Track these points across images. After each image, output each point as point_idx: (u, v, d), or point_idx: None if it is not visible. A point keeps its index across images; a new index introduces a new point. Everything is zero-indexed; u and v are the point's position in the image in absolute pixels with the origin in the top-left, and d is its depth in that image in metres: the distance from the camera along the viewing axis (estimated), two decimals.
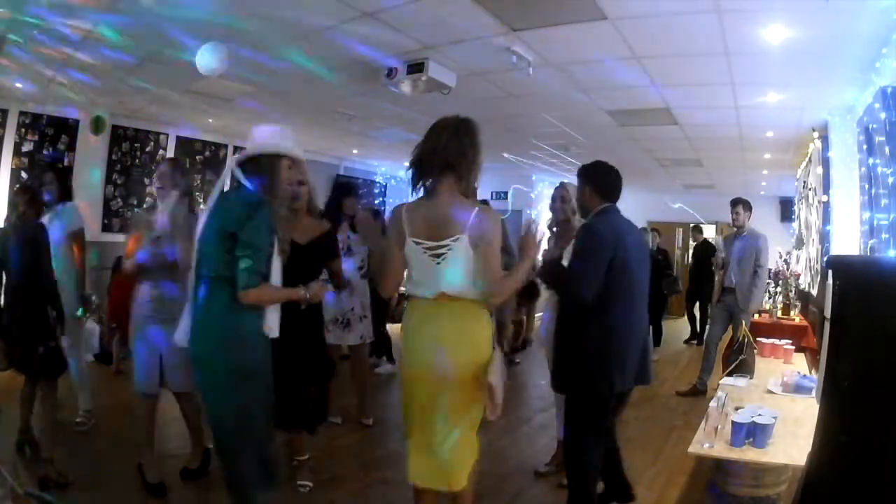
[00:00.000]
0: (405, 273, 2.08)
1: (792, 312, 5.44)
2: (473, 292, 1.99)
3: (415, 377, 2.03)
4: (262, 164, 2.09)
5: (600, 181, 2.64)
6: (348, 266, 3.69)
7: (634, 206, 6.94)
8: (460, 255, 1.95)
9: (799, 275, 6.26)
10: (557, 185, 3.40)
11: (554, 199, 3.33)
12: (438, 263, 1.95)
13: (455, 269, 1.95)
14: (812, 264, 5.92)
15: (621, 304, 2.46)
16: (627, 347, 2.49)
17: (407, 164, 2.06)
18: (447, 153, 1.97)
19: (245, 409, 1.99)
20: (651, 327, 5.35)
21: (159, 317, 2.79)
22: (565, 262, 2.65)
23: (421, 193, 2.05)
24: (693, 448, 2.32)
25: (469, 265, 1.96)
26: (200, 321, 2.01)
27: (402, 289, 2.28)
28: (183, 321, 2.10)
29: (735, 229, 5.07)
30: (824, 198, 5.06)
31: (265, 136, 2.15)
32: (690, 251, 9.75)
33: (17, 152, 5.83)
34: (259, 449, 2.04)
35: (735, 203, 5.03)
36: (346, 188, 4.12)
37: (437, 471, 1.98)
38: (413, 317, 2.06)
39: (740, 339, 3.56)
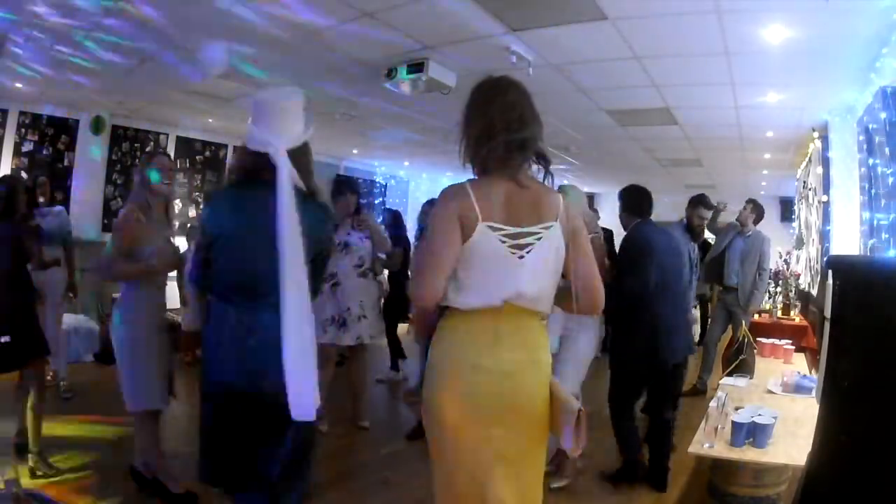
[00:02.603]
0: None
1: (792, 312, 5.44)
2: (544, 302, 1.55)
3: (471, 421, 1.48)
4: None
5: (626, 201, 3.26)
6: (342, 265, 3.67)
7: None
8: (551, 249, 1.51)
9: (799, 275, 6.26)
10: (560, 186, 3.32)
11: None
12: (521, 258, 1.47)
13: (539, 267, 1.50)
14: (812, 264, 5.92)
15: (662, 297, 3.04)
16: (673, 329, 3.10)
17: (474, 138, 1.53)
18: (539, 139, 1.56)
19: None
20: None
21: None
22: None
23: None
24: (693, 448, 2.32)
25: (554, 264, 1.53)
26: None
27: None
28: None
29: (738, 224, 5.07)
30: (824, 198, 5.06)
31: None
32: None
33: (17, 152, 5.84)
34: None
35: (748, 201, 5.10)
36: (337, 186, 4.07)
37: None
38: (459, 339, 1.51)
39: (740, 339, 3.57)
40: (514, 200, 1.50)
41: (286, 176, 1.68)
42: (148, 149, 6.91)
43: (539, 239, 1.49)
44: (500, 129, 1.49)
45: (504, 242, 1.46)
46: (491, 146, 1.49)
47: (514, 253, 1.47)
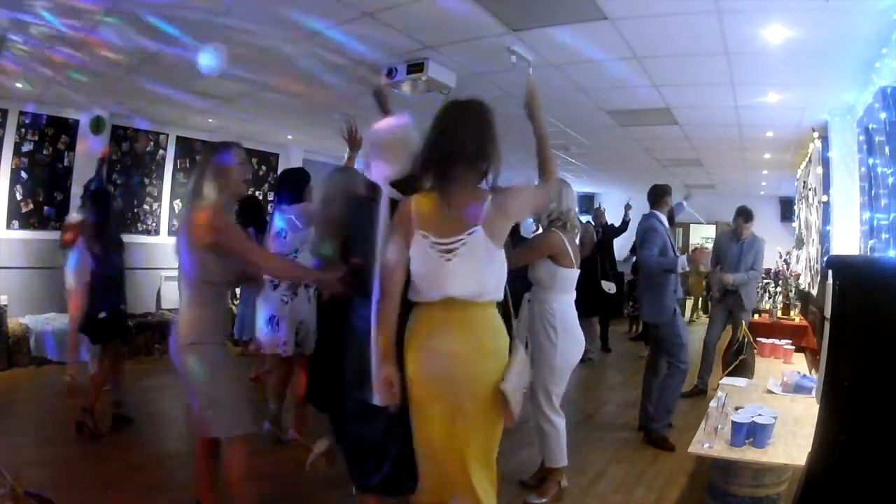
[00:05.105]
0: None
1: (792, 312, 5.44)
2: (485, 295, 1.79)
3: (426, 398, 1.78)
4: None
5: None
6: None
7: (635, 206, 6.98)
8: (476, 251, 1.75)
9: (799, 275, 6.26)
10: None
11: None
12: (449, 260, 1.74)
13: (466, 269, 1.74)
14: (812, 264, 5.92)
15: None
16: None
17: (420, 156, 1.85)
18: (469, 146, 1.79)
19: None
20: None
21: None
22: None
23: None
24: (693, 448, 2.32)
25: (488, 257, 1.77)
26: None
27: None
28: None
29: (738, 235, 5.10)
30: (824, 198, 5.06)
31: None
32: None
33: (17, 152, 5.83)
34: None
35: (748, 217, 5.08)
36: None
37: None
38: (419, 326, 1.81)
39: (740, 339, 3.57)
40: (441, 216, 1.77)
41: (384, 200, 1.97)
42: (148, 149, 6.89)
43: (464, 244, 1.74)
44: (448, 151, 1.79)
45: (433, 248, 1.75)
46: (438, 163, 1.80)
47: (441, 256, 1.75)
